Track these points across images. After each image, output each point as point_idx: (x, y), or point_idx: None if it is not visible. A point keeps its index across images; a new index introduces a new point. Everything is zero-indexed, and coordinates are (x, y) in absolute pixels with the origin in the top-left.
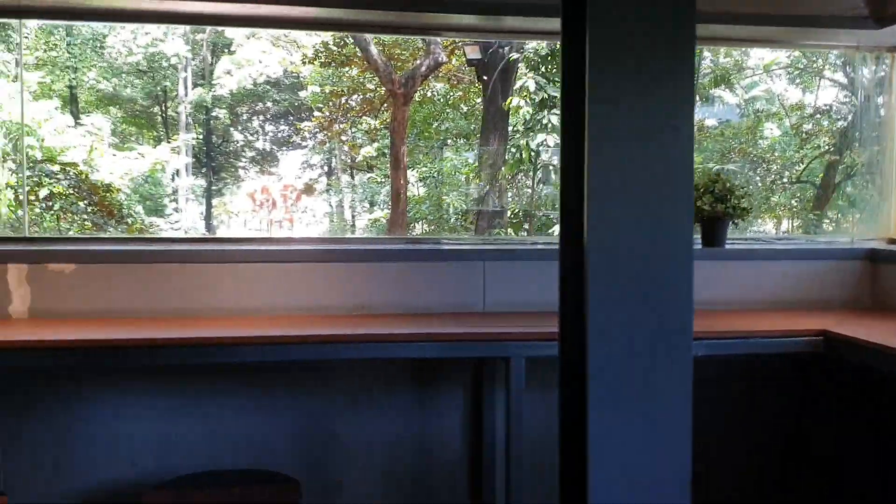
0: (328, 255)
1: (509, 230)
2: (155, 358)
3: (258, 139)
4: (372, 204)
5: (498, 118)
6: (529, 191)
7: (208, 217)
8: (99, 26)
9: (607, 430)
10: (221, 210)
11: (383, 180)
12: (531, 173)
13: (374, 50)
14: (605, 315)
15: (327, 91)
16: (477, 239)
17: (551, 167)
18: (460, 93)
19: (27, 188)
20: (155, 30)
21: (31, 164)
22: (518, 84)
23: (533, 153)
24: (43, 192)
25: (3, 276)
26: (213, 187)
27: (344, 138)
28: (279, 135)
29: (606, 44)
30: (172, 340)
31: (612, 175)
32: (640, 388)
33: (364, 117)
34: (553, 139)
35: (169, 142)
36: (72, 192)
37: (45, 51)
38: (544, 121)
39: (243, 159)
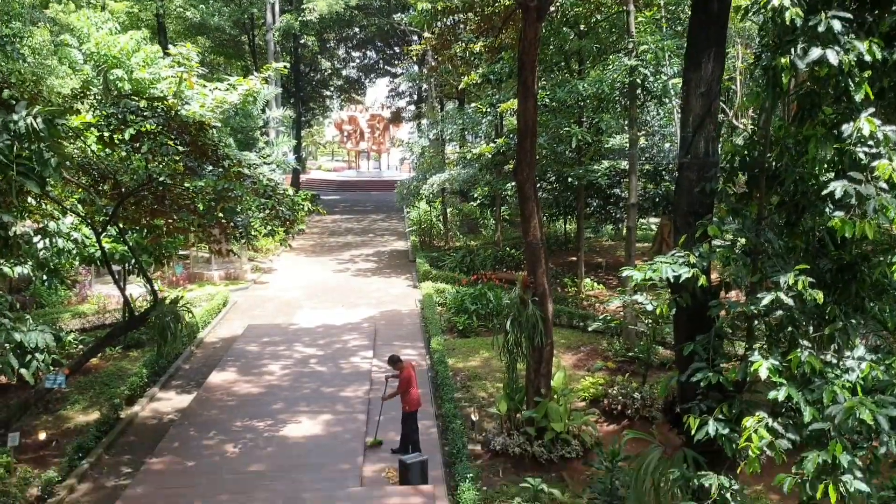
0: None
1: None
2: None
3: (346, 67)
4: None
5: (712, 30)
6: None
7: (298, 149)
8: None
9: None
10: (309, 142)
11: (488, 109)
12: (772, 103)
13: None
14: None
15: (440, 8)
16: None
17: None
18: (589, 7)
19: (112, 127)
20: None
21: (115, 101)
22: None
23: (794, 76)
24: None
25: None
26: (303, 118)
27: (456, 63)
28: (368, 62)
29: None
30: None
31: None
32: None
33: (479, 39)
34: (835, 54)
35: (259, 71)
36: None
37: None
38: (819, 28)
39: (331, 88)
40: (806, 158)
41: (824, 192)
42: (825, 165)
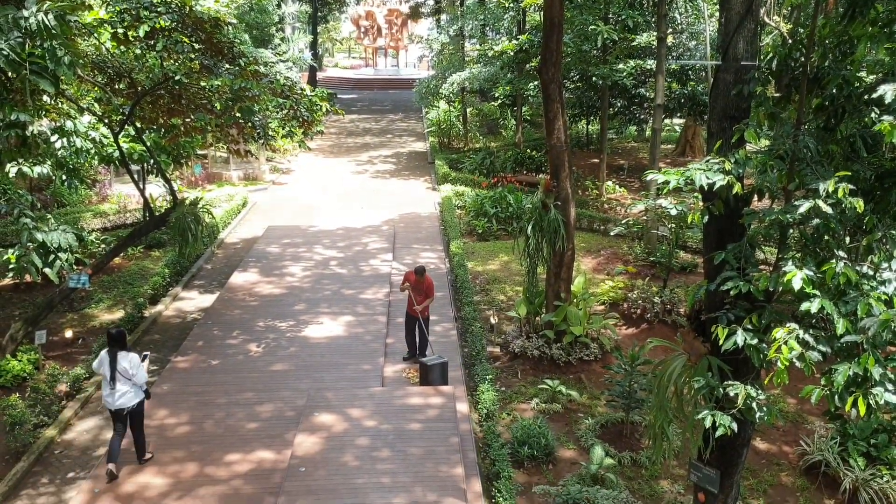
0: None
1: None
2: None
3: None
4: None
5: None
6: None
7: (314, 46)
8: None
9: None
10: (325, 38)
11: (511, 4)
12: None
13: None
14: None
15: None
16: None
17: None
18: None
19: (125, 24)
20: None
21: None
22: None
23: None
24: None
25: None
26: (319, 14)
27: None
28: None
29: None
30: None
31: None
32: None
33: None
34: None
35: None
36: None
37: None
38: None
39: None
40: (852, 59)
41: (873, 95)
42: (874, 67)
